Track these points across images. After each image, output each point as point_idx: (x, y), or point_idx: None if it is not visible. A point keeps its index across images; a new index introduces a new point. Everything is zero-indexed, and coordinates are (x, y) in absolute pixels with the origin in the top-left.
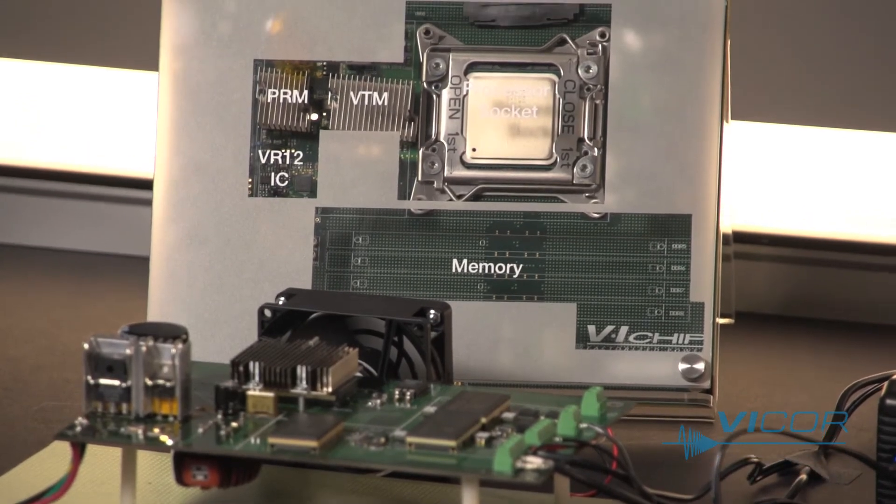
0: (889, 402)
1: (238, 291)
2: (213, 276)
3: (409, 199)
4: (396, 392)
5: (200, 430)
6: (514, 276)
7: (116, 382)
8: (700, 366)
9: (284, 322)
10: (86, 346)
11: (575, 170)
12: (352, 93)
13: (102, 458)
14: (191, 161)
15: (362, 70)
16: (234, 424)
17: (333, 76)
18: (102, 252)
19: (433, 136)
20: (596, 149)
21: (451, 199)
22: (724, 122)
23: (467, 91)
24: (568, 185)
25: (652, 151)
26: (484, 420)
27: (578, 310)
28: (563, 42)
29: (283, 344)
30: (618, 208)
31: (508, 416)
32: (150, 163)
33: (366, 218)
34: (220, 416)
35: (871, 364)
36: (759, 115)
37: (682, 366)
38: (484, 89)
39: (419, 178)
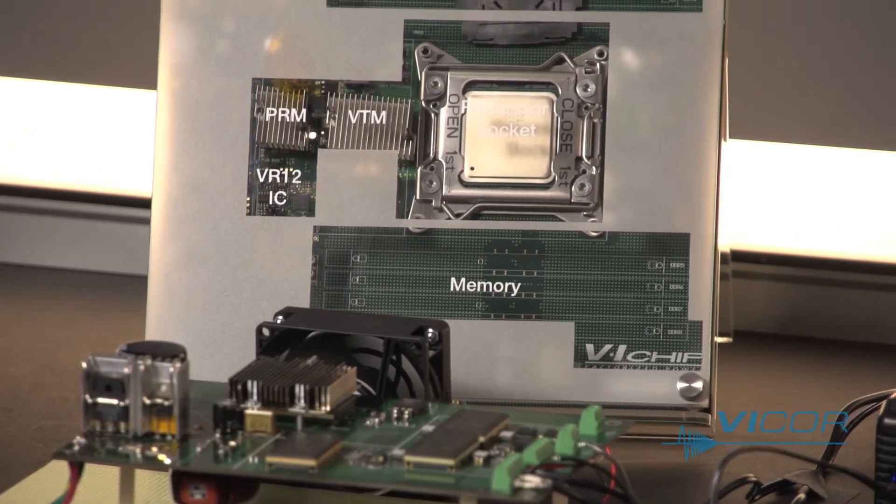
0: (887, 421)
1: (236, 310)
2: (212, 294)
3: (407, 217)
4: (395, 411)
5: (199, 449)
6: (513, 295)
7: (115, 401)
8: (698, 384)
9: (282, 341)
10: (84, 364)
11: (573, 188)
12: (350, 111)
13: (100, 478)
14: (189, 179)
15: (361, 89)
16: (233, 443)
17: (332, 95)
18: (101, 271)
19: (431, 155)
20: (594, 167)
21: (449, 218)
22: (723, 141)
23: (465, 110)
24: (566, 203)
25: (650, 170)
26: (482, 439)
27: (577, 328)
28: (561, 61)
29: (281, 363)
30: (616, 227)
31: (507, 434)
32: (149, 181)
33: (364, 237)
34: (218, 435)
35: (869, 383)
36: (757, 134)
37: (681, 384)
38: (482, 108)
39: (417, 197)
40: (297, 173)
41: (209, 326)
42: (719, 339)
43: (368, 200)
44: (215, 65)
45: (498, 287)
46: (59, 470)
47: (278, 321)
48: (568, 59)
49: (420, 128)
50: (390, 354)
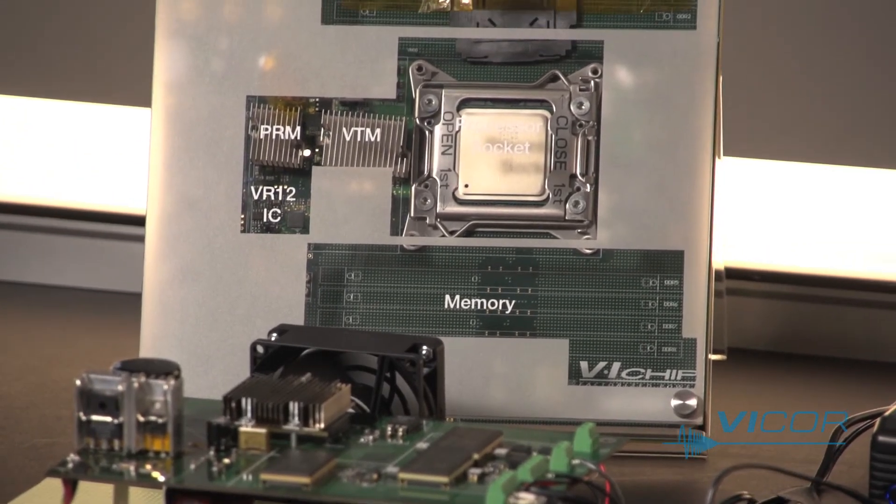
0: (881, 438)
1: (230, 327)
2: (206, 312)
3: (401, 234)
4: (389, 428)
5: (192, 467)
6: (507, 312)
7: (108, 419)
8: (693, 402)
9: (277, 358)
10: (78, 382)
11: (567, 206)
12: (344, 129)
13: (94, 495)
14: (183, 197)
15: (355, 106)
16: (227, 461)
17: (326, 112)
18: (95, 288)
19: (426, 172)
20: (588, 185)
21: (443, 235)
22: (717, 158)
23: (460, 127)
24: (560, 221)
25: (644, 188)
26: (476, 456)
27: (571, 346)
28: (555, 78)
29: (275, 380)
30: (610, 244)
31: (501, 452)
32: (143, 199)
33: (358, 254)
34: (212, 453)
35: (863, 400)
36: (751, 152)
37: (675, 402)
38: (476, 125)
39: (411, 214)
40: (291, 191)
41: (203, 344)
42: (713, 357)
43: (363, 218)
44: (210, 82)
45: (492, 304)
46: (52, 488)
47: (272, 338)
48: (562, 77)
49: (414, 145)
50: (384, 372)
